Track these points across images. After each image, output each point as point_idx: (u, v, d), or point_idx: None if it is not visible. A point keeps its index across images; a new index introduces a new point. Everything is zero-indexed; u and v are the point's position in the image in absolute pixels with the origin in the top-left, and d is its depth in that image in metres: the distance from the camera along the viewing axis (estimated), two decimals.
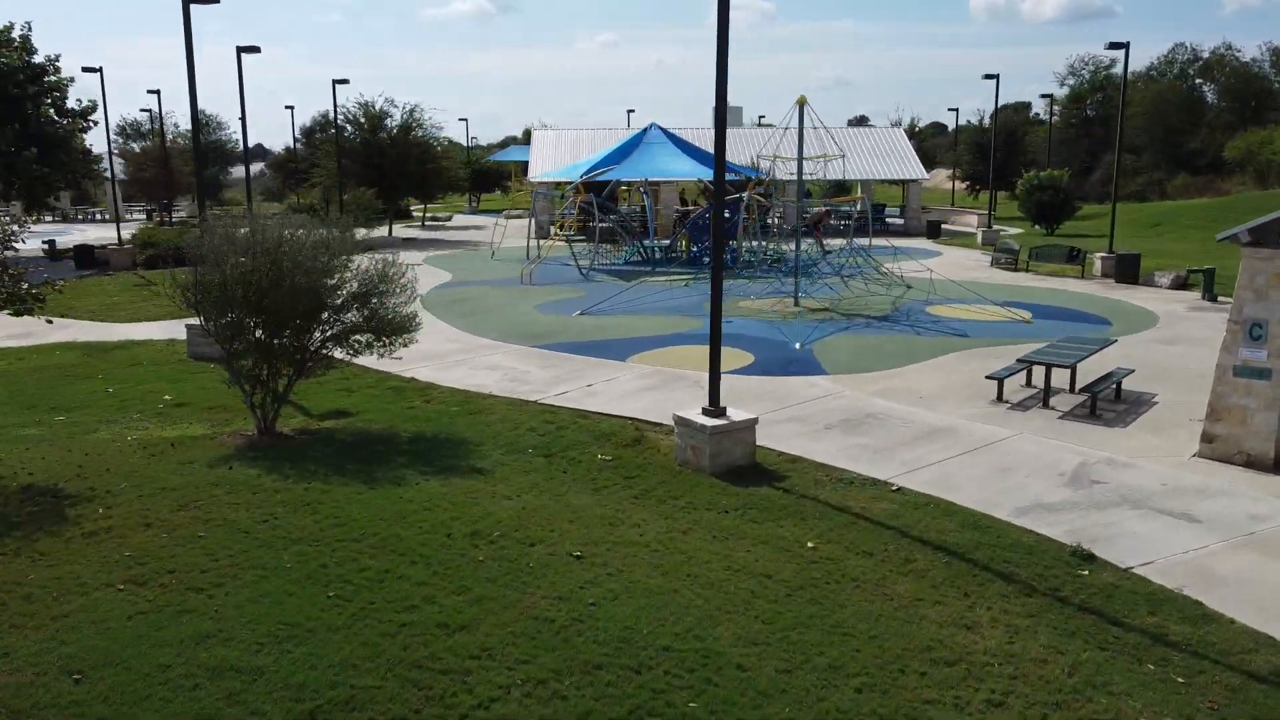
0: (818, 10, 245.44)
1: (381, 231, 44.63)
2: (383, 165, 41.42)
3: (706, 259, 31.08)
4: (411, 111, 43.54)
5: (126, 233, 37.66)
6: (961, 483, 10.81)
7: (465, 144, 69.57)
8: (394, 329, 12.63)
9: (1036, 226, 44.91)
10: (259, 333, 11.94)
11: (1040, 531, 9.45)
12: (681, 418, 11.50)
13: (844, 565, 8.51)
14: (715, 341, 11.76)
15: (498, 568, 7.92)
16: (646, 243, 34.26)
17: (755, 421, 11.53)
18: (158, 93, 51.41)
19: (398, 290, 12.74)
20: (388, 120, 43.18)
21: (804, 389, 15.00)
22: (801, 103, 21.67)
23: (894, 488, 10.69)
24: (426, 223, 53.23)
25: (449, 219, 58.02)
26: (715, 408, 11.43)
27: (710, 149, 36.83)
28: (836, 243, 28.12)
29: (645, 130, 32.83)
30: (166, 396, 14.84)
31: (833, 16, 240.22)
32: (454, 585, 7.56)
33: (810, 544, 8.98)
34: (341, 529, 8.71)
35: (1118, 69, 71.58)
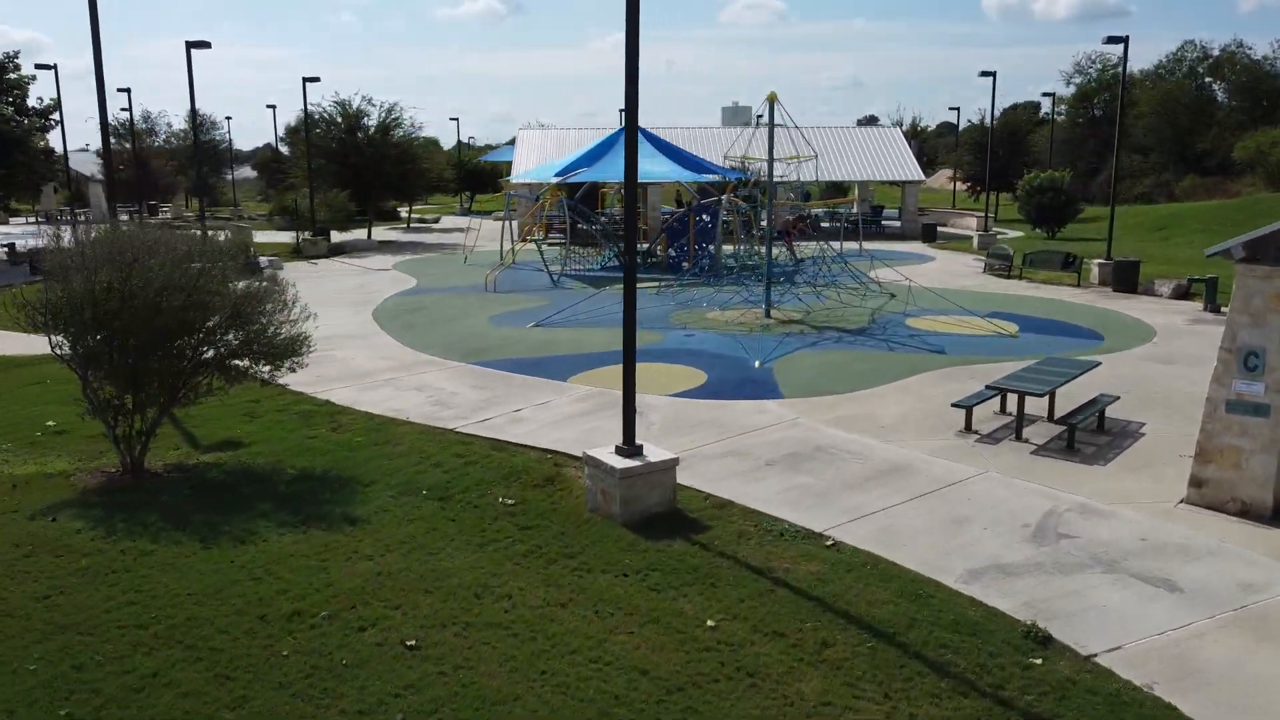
0: (830, 10, 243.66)
1: (359, 234, 43.33)
2: (358, 166, 40.06)
3: (685, 264, 29.65)
4: (390, 110, 42.22)
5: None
6: (908, 536, 9.33)
7: (458, 143, 68.18)
8: (277, 353, 11.19)
9: (1037, 230, 43.29)
10: (118, 357, 10.54)
11: (991, 603, 7.97)
12: (592, 457, 10.06)
13: (744, 654, 7.04)
14: (629, 367, 10.33)
15: (299, 667, 6.48)
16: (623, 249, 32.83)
17: (675, 463, 10.07)
18: (128, 91, 49.40)
19: (280, 310, 11.28)
20: (365, 120, 41.86)
21: (752, 415, 13.53)
22: (772, 99, 20.19)
23: (829, 542, 9.22)
24: (412, 224, 51.91)
25: (436, 220, 56.68)
26: (629, 446, 9.99)
27: (692, 149, 35.39)
28: (811, 248, 26.56)
29: (623, 129, 31.32)
30: (50, 422, 13.46)
31: (845, 16, 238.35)
32: (229, 696, 6.11)
33: (711, 622, 7.52)
34: (133, 609, 7.28)
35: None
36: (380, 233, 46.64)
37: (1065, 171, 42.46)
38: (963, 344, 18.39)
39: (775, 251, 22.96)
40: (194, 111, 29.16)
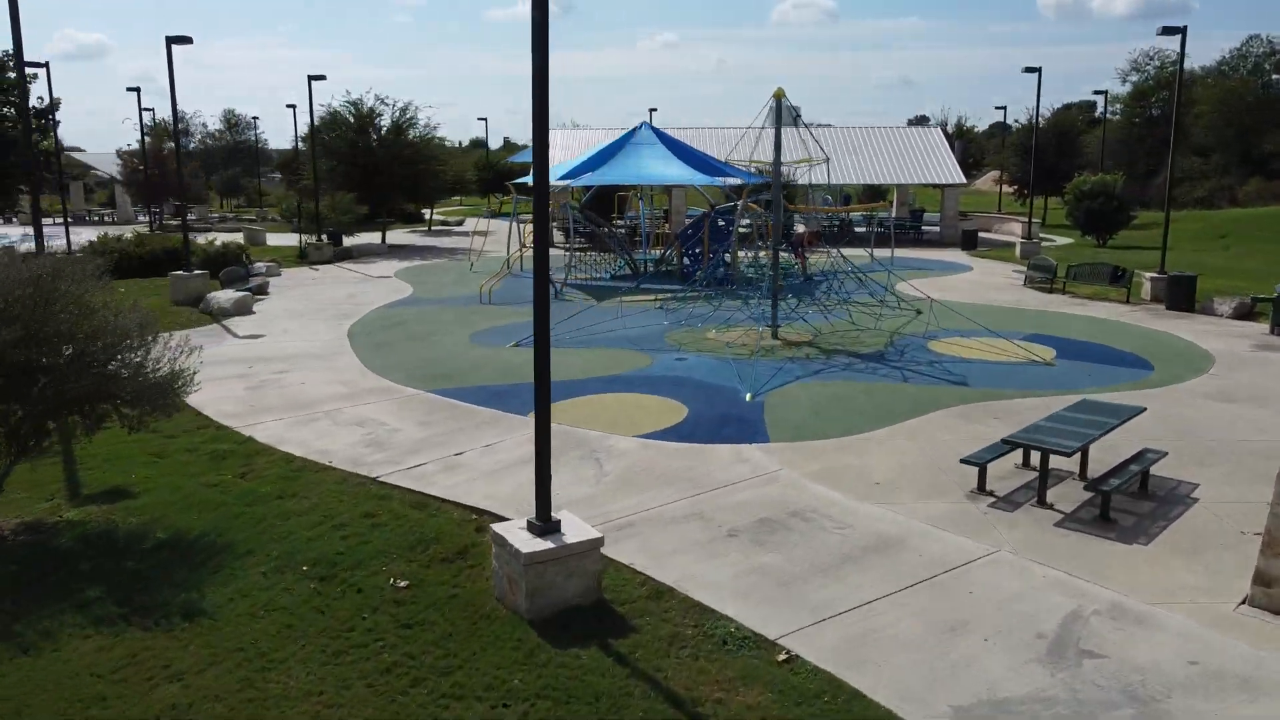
0: (882, 8, 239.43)
1: (372, 237, 41.89)
2: (368, 167, 38.61)
3: (700, 272, 27.65)
4: (404, 110, 40.74)
5: (92, 237, 35.31)
6: (886, 649, 7.31)
7: (486, 144, 66.70)
8: (147, 396, 9.44)
9: (1086, 237, 40.62)
10: None
11: None
12: (499, 534, 8.16)
13: None
14: (542, 422, 8.44)
15: None
16: (637, 255, 30.91)
17: (599, 544, 8.12)
18: (137, 90, 48.76)
19: (150, 347, 9.53)
20: (379, 119, 40.42)
21: (728, 465, 11.53)
22: (778, 96, 18.13)
23: (783, 655, 7.23)
24: (433, 228, 50.44)
25: (460, 223, 55.20)
26: (543, 521, 8.07)
27: (702, 150, 33.29)
28: (821, 260, 24.31)
29: (634, 130, 29.43)
30: None
31: (897, 14, 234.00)
32: None
33: None
34: None
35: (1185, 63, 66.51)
36: (398, 236, 45.20)
37: (1117, 175, 39.72)
38: (989, 373, 16.19)
39: (784, 258, 20.91)
40: (175, 106, 27.76)
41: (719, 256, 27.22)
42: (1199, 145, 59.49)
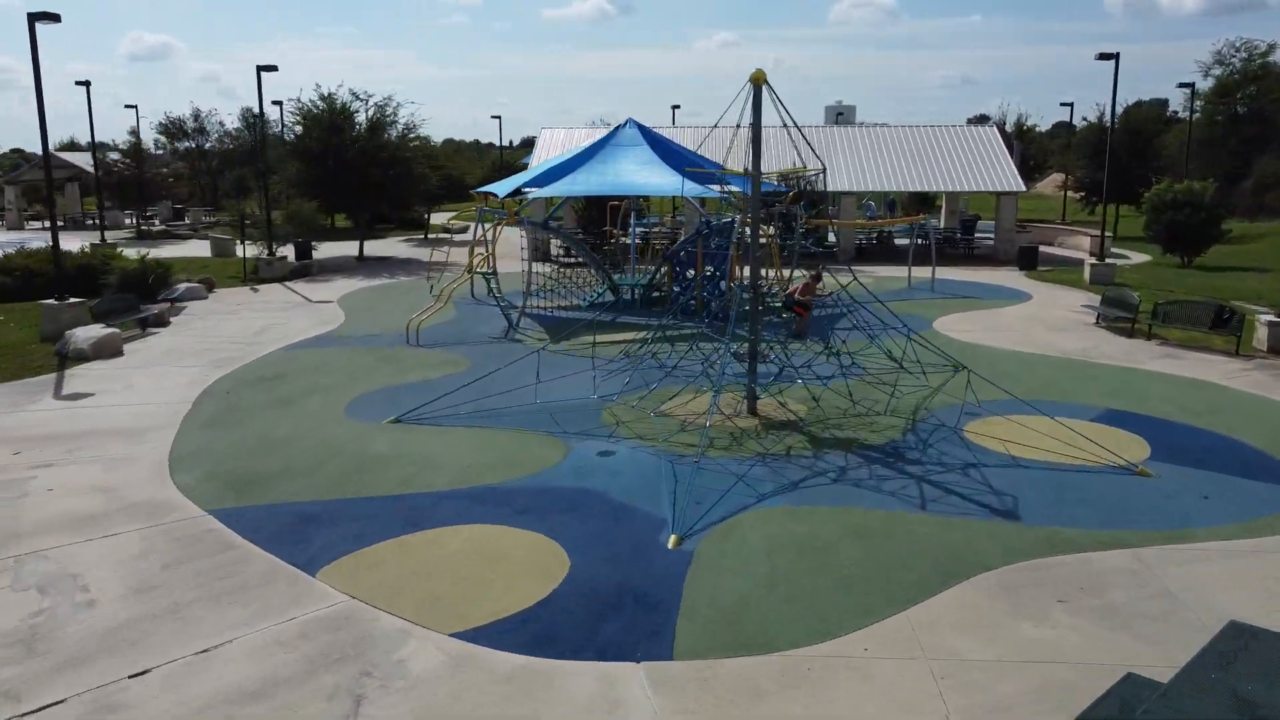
0: (942, 6, 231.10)
1: (349, 248, 37.36)
2: (339, 171, 34.02)
3: (693, 303, 22.54)
4: (382, 106, 36.08)
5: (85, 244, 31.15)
6: None
7: (499, 145, 62.11)
8: None
9: (1167, 255, 34.67)
10: None
11: None
12: None
13: None
14: None
15: None
16: (620, 278, 25.85)
17: None
18: (135, 106, 44.99)
19: None
20: (356, 116, 35.80)
21: None
22: (758, 81, 12.96)
23: None
24: (429, 235, 45.81)
25: (465, 229, 50.49)
26: None
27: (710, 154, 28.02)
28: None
29: (616, 129, 24.38)
30: None
31: (958, 13, 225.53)
32: None
33: None
34: None
35: (1278, 54, 59.63)
36: (385, 246, 40.69)
37: (1208, 183, 33.68)
38: (1053, 489, 10.87)
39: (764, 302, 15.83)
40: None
41: (716, 285, 22.09)
42: None
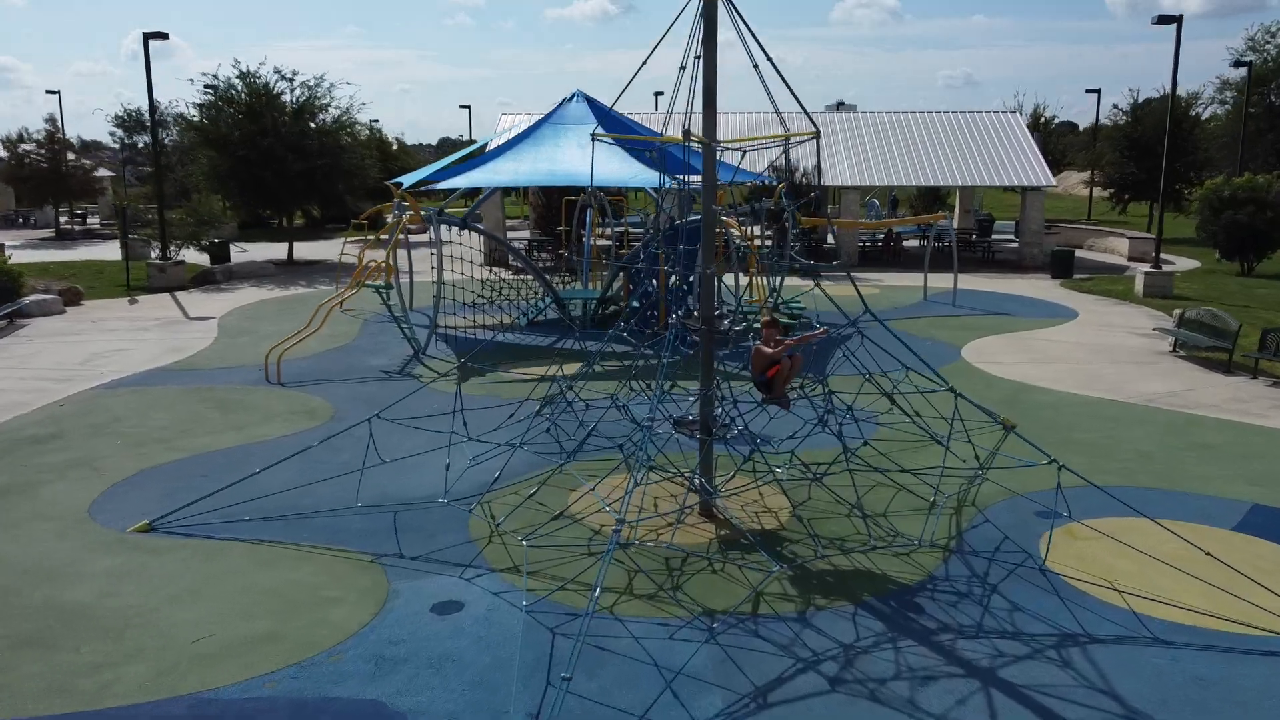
0: (946, 6, 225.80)
1: (277, 250, 32.36)
2: (254, 160, 29.02)
3: (654, 319, 17.67)
4: (311, 90, 31.10)
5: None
6: None
7: (468, 138, 57.13)
8: None
9: (1222, 260, 29.76)
10: None
11: None
12: None
13: None
14: None
15: None
16: (568, 289, 20.89)
17: None
18: (57, 94, 40.76)
19: None
20: (282, 99, 30.84)
21: None
22: None
23: None
24: (382, 236, 40.75)
25: (421, 230, 45.50)
26: None
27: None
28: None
29: (560, 105, 19.42)
30: None
31: (962, 13, 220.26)
32: None
33: None
34: None
35: None
36: (329, 248, 35.49)
37: (1273, 176, 28.69)
38: (1234, 707, 5.92)
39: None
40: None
41: (684, 299, 17.27)
42: None
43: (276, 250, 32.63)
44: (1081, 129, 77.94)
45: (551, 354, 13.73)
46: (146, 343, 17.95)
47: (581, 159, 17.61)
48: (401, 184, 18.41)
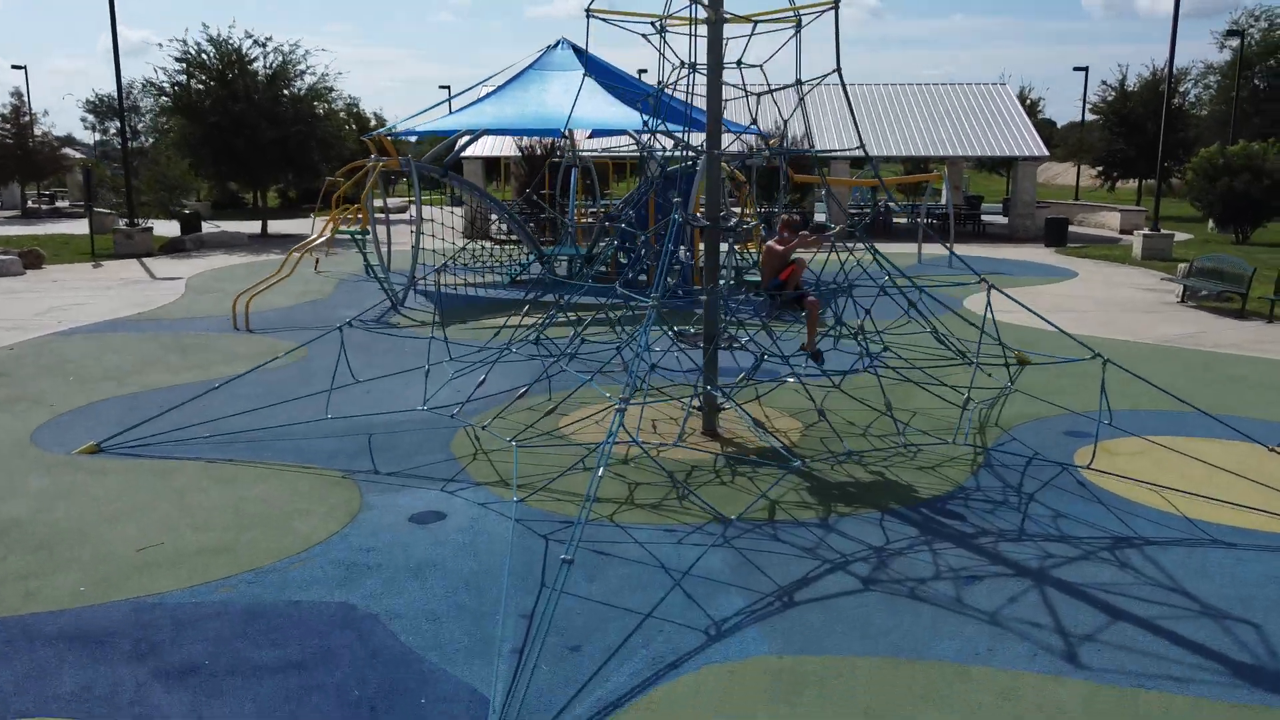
0: (926, 6, 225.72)
1: (246, 230, 31.36)
2: (225, 128, 28.02)
3: (643, 279, 16.85)
4: (287, 55, 30.14)
5: None
6: None
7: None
8: None
9: (1214, 229, 29.35)
10: None
11: None
12: None
13: None
14: None
15: None
16: (554, 249, 20.07)
17: None
18: (24, 67, 39.95)
19: None
20: (254, 64, 29.85)
21: None
22: None
23: None
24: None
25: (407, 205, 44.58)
26: None
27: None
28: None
29: (546, 50, 18.68)
30: None
31: (941, 13, 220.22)
32: None
33: None
34: None
35: None
36: (310, 224, 34.57)
37: (1271, 143, 28.26)
38: None
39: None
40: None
41: (675, 255, 16.39)
42: None
43: (250, 229, 31.65)
44: (1058, 125, 77.67)
45: (535, 304, 12.94)
46: (108, 298, 17.03)
47: (570, 103, 16.81)
48: (380, 133, 17.56)
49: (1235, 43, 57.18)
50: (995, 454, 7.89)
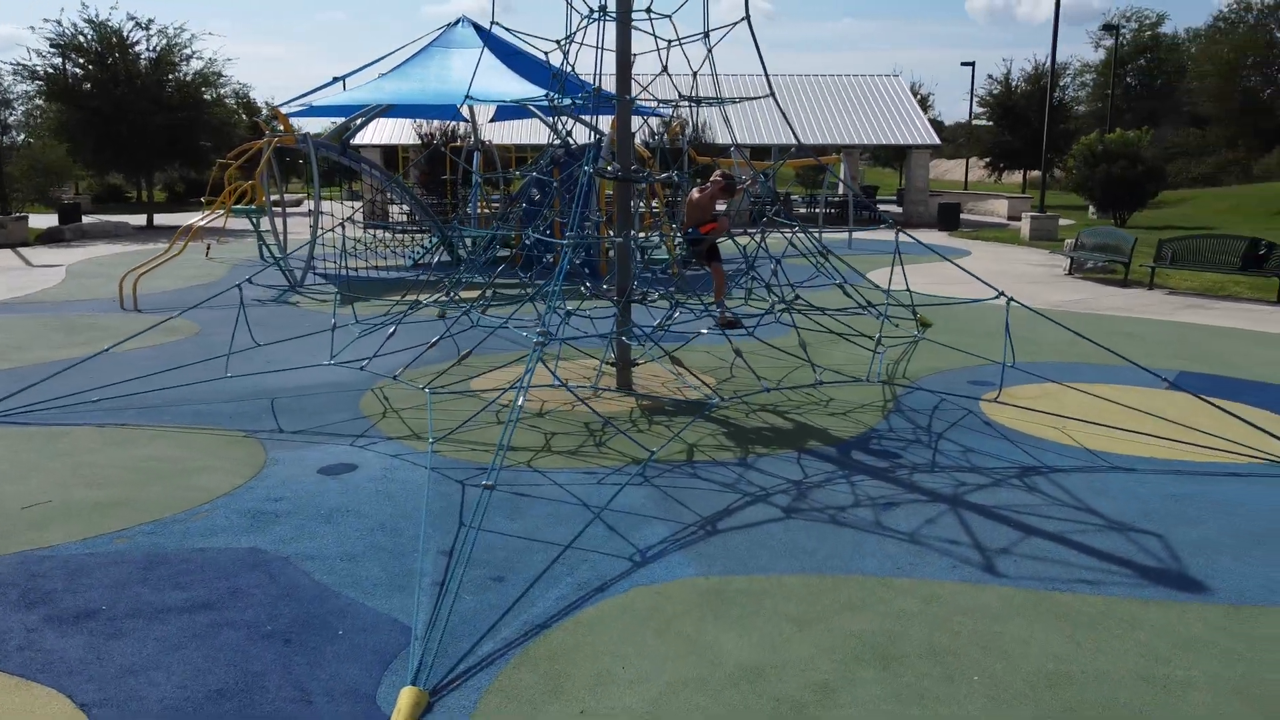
0: (816, 10, 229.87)
1: (160, 218, 30.06)
2: (109, 113, 26.78)
3: (549, 260, 16.69)
4: (172, 38, 28.96)
5: None
6: None
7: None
8: None
9: (1095, 213, 30.71)
10: None
11: None
12: None
13: None
14: None
15: None
16: (462, 233, 19.74)
17: None
18: None
19: None
20: (137, 47, 28.60)
21: None
22: None
23: None
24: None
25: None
26: None
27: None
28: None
29: (445, 29, 18.40)
30: None
31: (831, 17, 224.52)
32: None
33: None
34: None
35: (1166, 26, 57.81)
36: (192, 219, 33.19)
37: (1144, 131, 29.71)
38: (1218, 517, 5.47)
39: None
40: None
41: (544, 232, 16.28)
42: (1193, 115, 50.25)
43: (136, 221, 30.31)
44: (946, 124, 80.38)
45: (437, 283, 12.70)
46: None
47: (464, 78, 16.54)
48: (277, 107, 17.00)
49: (1110, 42, 59.87)
50: (904, 400, 8.05)
